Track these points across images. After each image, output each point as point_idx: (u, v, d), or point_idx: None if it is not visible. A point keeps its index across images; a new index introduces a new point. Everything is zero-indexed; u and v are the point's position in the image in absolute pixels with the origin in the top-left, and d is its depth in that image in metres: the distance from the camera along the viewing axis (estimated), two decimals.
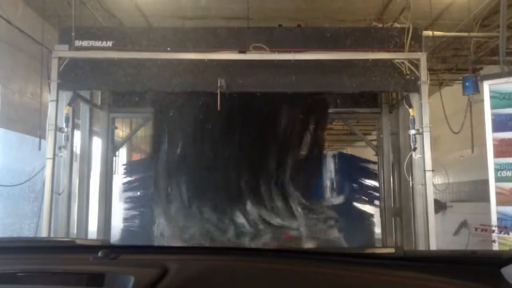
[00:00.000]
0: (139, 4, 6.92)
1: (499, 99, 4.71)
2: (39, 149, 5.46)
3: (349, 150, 14.25)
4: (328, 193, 6.93)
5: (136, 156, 11.13)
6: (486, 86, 4.82)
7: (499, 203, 4.59)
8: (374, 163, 6.97)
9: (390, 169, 6.61)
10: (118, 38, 5.26)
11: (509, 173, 4.58)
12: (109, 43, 5.20)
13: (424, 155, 5.03)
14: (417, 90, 5.13)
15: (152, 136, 6.49)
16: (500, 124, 4.68)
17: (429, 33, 5.96)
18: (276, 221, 6.10)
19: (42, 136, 5.38)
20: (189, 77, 5.17)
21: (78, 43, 5.17)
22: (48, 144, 4.99)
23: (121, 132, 8.34)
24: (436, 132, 5.55)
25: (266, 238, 5.96)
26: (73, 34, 5.14)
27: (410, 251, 2.73)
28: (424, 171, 5.02)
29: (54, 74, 5.04)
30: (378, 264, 1.40)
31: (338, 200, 6.67)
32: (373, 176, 6.99)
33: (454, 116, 6.10)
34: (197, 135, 6.27)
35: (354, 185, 7.03)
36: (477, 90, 5.64)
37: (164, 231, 6.09)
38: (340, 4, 6.88)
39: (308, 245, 5.88)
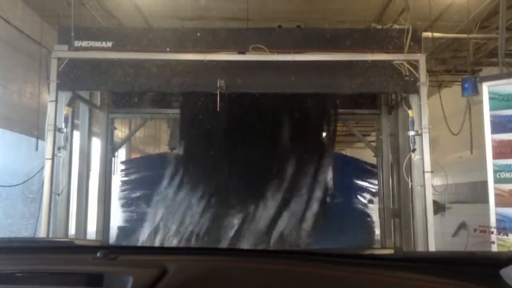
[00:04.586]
0: (138, 5, 6.92)
1: (498, 100, 4.72)
2: (36, 149, 5.45)
3: (348, 151, 14.28)
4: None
5: (135, 156, 11.12)
6: (485, 88, 4.82)
7: (498, 204, 4.59)
8: (373, 166, 6.99)
9: (389, 170, 6.62)
10: (118, 38, 5.26)
11: (508, 175, 4.59)
12: (109, 44, 5.19)
13: (423, 156, 5.03)
14: (416, 91, 5.13)
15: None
16: (499, 125, 4.68)
17: (428, 34, 5.97)
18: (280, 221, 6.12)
19: (39, 136, 5.36)
20: (188, 77, 5.17)
21: (77, 43, 5.16)
22: (47, 145, 4.98)
23: (120, 132, 8.34)
24: (435, 133, 5.55)
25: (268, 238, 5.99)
26: (72, 34, 5.13)
27: (409, 252, 2.73)
28: (423, 172, 5.01)
29: (53, 75, 5.03)
30: (377, 265, 1.40)
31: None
32: (371, 177, 7.01)
33: (453, 117, 6.11)
34: (206, 135, 6.33)
35: (353, 186, 7.05)
36: (476, 91, 5.64)
37: (170, 230, 6.12)
38: (340, 5, 6.88)
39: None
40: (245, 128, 6.30)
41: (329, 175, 6.44)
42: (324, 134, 6.60)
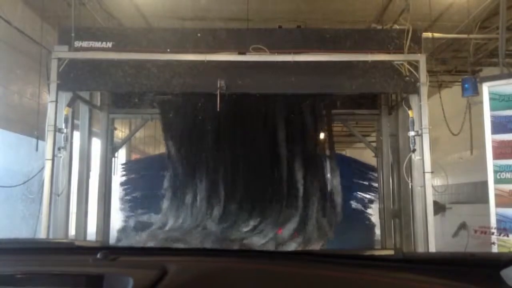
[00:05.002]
0: (138, 5, 6.92)
1: (498, 100, 4.72)
2: (36, 150, 5.45)
3: (348, 152, 14.28)
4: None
5: (135, 157, 11.13)
6: (485, 88, 4.82)
7: (498, 205, 4.59)
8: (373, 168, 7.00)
9: (390, 171, 6.62)
10: (118, 39, 5.26)
11: (508, 175, 4.58)
12: (109, 44, 5.19)
13: (423, 156, 5.03)
14: (416, 91, 5.13)
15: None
16: (499, 125, 4.68)
17: (428, 34, 5.95)
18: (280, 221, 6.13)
19: (39, 137, 5.36)
20: (188, 78, 5.17)
21: (77, 43, 5.16)
22: (47, 145, 4.98)
23: (120, 133, 8.33)
24: (435, 133, 5.55)
25: (265, 238, 5.98)
26: (72, 34, 5.13)
27: (409, 253, 2.73)
28: (423, 172, 5.01)
29: (53, 75, 5.03)
30: (377, 266, 1.40)
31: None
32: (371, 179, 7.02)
33: (454, 117, 6.10)
34: (200, 135, 6.34)
35: (353, 187, 7.06)
36: (476, 92, 5.63)
37: (166, 231, 6.12)
38: (340, 5, 6.88)
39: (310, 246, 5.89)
40: (242, 129, 6.31)
41: (329, 176, 6.45)
42: (319, 134, 6.60)
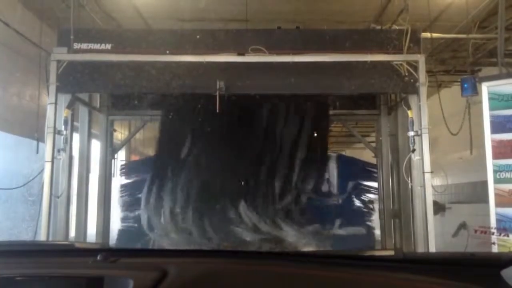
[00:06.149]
0: (137, 6, 6.92)
1: (498, 100, 4.72)
2: (37, 152, 5.45)
3: (348, 152, 14.29)
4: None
5: (135, 158, 11.12)
6: (485, 88, 4.83)
7: (498, 204, 4.60)
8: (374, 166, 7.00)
9: (389, 171, 6.62)
10: (117, 40, 5.26)
11: (508, 175, 4.59)
12: (108, 46, 5.19)
13: (423, 156, 5.03)
14: (415, 91, 5.14)
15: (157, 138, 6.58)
16: (498, 125, 4.69)
17: (427, 35, 5.95)
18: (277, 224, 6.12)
19: (39, 138, 5.36)
20: (188, 79, 5.17)
21: (76, 45, 5.16)
22: (47, 147, 4.98)
23: (120, 134, 8.33)
24: (434, 133, 5.55)
25: (265, 241, 5.97)
26: (71, 36, 5.13)
27: (409, 253, 2.73)
28: (423, 172, 5.02)
29: (52, 77, 5.03)
30: (377, 266, 1.40)
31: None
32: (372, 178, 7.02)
33: (453, 117, 6.11)
34: (196, 137, 6.34)
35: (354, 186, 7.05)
36: (476, 91, 5.63)
37: (164, 233, 6.11)
38: (339, 6, 6.88)
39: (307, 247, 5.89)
40: (240, 130, 6.30)
41: (321, 175, 6.46)
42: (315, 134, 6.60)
